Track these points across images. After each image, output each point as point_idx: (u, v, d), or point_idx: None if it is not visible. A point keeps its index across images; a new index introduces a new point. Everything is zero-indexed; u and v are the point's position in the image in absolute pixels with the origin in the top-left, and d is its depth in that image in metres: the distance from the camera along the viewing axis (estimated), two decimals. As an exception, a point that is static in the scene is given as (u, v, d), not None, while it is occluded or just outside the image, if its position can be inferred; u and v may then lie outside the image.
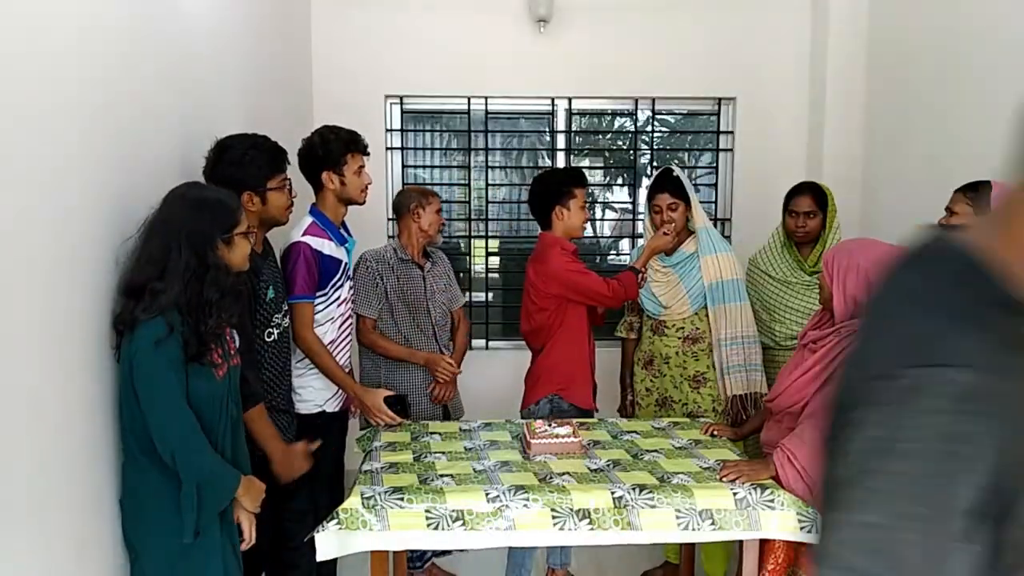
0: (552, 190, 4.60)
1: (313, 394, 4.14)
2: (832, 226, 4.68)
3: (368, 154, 4.24)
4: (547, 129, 6.82)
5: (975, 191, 3.83)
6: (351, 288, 4.41)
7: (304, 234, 4.04)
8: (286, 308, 3.89)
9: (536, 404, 4.61)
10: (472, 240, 6.83)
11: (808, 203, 4.69)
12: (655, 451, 3.79)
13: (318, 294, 4.08)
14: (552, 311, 4.54)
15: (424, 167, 6.88)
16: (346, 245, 4.28)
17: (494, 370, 6.54)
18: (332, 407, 4.21)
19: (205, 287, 2.79)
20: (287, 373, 3.94)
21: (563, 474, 3.44)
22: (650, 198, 4.85)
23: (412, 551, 4.71)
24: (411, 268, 4.72)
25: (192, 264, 2.78)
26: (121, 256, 2.86)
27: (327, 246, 4.10)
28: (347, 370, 4.34)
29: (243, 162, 3.47)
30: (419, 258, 4.77)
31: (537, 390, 4.61)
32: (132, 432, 2.75)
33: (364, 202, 4.25)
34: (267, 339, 3.74)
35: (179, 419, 2.71)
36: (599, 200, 7.23)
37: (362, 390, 4.25)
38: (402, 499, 3.18)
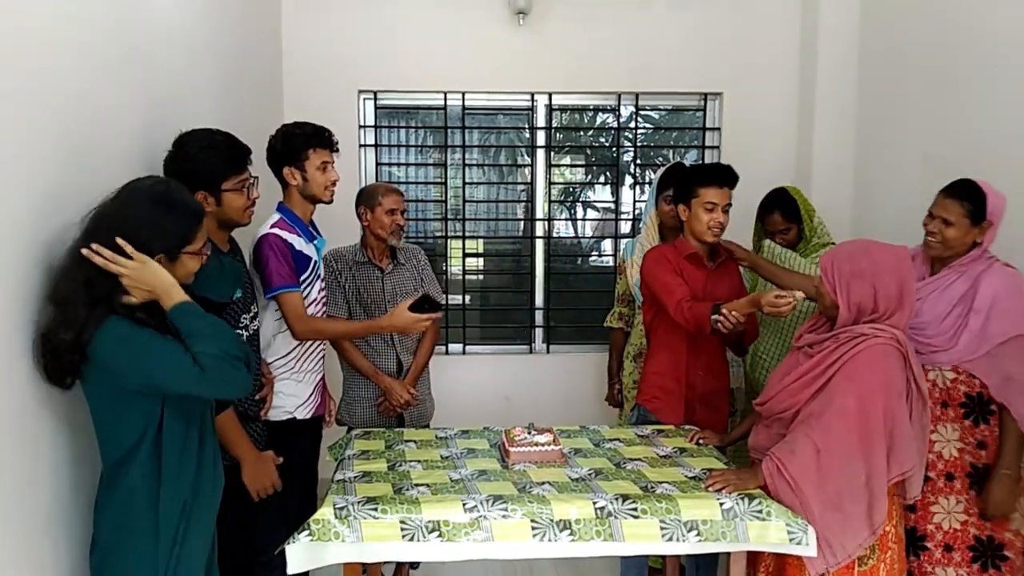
0: (682, 185, 4.43)
1: (283, 400, 4.12)
2: (813, 225, 4.75)
3: (336, 150, 4.22)
4: (526, 125, 6.82)
5: (964, 194, 3.84)
6: (322, 289, 4.40)
7: (272, 228, 4.04)
8: (255, 310, 3.87)
9: (632, 411, 4.66)
10: (449, 241, 6.81)
11: (779, 221, 4.82)
12: (638, 459, 3.78)
13: None
14: (652, 313, 4.51)
15: (399, 165, 6.87)
16: (315, 243, 4.26)
17: (472, 376, 6.55)
18: (303, 414, 4.19)
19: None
20: (257, 379, 3.91)
21: (543, 483, 3.43)
22: (664, 188, 4.92)
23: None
24: (369, 269, 4.72)
25: None
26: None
27: (296, 241, 4.09)
28: (320, 375, 4.35)
29: (198, 159, 3.42)
30: (379, 259, 4.77)
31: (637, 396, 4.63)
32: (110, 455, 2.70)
33: (330, 200, 4.22)
34: None
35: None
36: (580, 199, 7.24)
37: (386, 320, 4.18)
38: (376, 509, 3.16)
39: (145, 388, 2.64)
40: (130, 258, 2.65)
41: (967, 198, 3.80)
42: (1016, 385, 3.68)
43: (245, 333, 3.74)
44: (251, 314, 3.81)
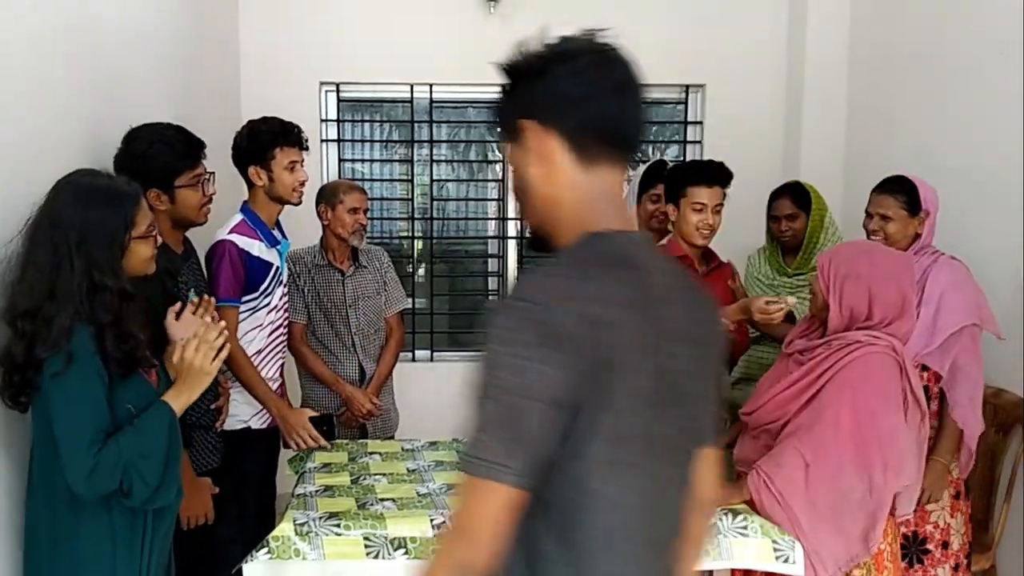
0: (670, 183, 4.39)
1: (237, 408, 4.12)
2: (824, 226, 4.73)
3: (305, 148, 4.22)
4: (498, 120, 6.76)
5: (897, 188, 4.09)
6: (284, 295, 4.39)
7: (230, 232, 4.02)
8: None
9: None
10: (416, 241, 6.81)
11: (787, 206, 4.77)
12: (616, 472, 3.78)
13: (245, 299, 4.06)
14: None
15: (363, 161, 6.87)
16: (278, 247, 4.25)
17: (439, 384, 6.50)
18: (258, 423, 4.19)
19: (96, 309, 2.64)
20: (211, 386, 3.88)
21: (515, 498, 3.43)
22: (646, 186, 4.93)
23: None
24: (328, 272, 4.74)
25: (84, 283, 2.62)
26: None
27: (256, 247, 4.08)
28: (277, 384, 4.34)
29: (148, 156, 3.40)
30: (340, 261, 4.78)
31: None
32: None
33: (299, 202, 4.23)
34: None
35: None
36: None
37: (286, 409, 4.21)
38: (338, 525, 3.17)
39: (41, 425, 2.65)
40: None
41: (900, 191, 4.07)
42: (958, 372, 3.91)
43: (197, 339, 3.74)
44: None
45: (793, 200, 4.76)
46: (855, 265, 3.44)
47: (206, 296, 3.08)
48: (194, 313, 3.11)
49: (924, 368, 3.94)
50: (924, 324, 3.90)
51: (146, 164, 3.39)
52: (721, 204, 4.23)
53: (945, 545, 4.07)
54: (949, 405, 3.94)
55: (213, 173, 3.69)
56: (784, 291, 4.64)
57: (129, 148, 3.43)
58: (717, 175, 4.21)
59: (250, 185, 4.15)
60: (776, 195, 4.85)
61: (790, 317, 4.14)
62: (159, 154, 3.42)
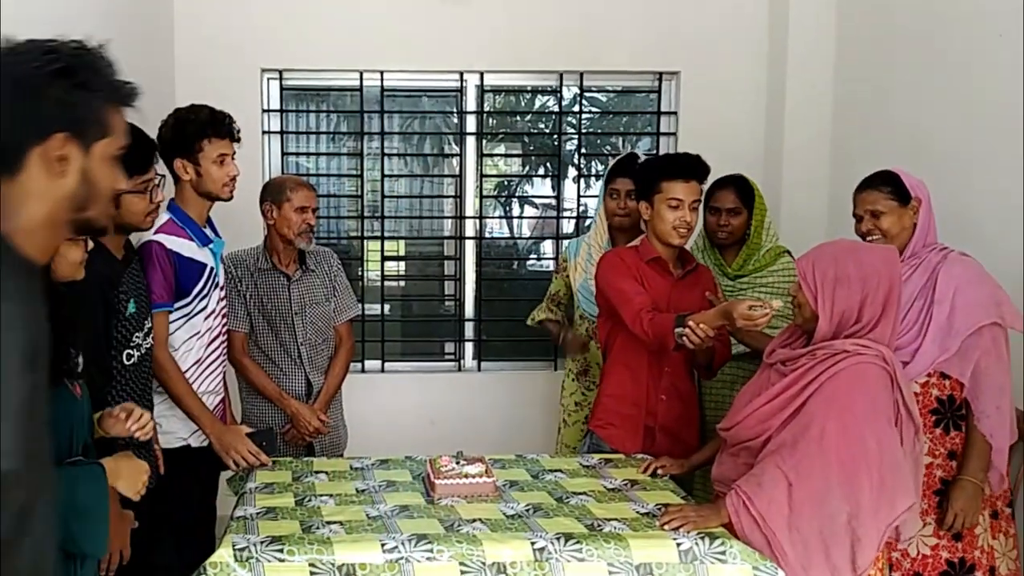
0: (643, 179, 4.36)
1: (175, 424, 4.11)
2: (763, 227, 4.76)
3: (236, 140, 4.21)
4: (455, 110, 6.81)
5: (880, 181, 4.07)
6: (222, 299, 4.38)
7: (157, 232, 4.00)
8: (149, 326, 3.86)
9: (583, 438, 4.66)
10: (365, 242, 6.79)
11: (731, 198, 4.78)
12: (583, 493, 3.79)
13: (178, 304, 4.05)
14: (608, 326, 4.45)
15: (308, 154, 6.86)
16: (211, 246, 4.23)
17: (392, 397, 6.53)
18: (198, 441, 4.17)
19: None
20: (147, 402, 3.88)
21: (474, 521, 3.43)
22: (609, 181, 4.94)
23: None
24: (273, 276, 4.74)
25: None
26: None
27: (186, 247, 4.07)
28: (219, 398, 4.33)
29: None
30: (285, 264, 4.77)
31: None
32: None
33: (230, 197, 4.21)
34: (126, 362, 3.70)
35: None
36: (516, 194, 7.26)
37: (220, 426, 4.18)
38: (281, 550, 3.15)
39: None
40: None
41: (883, 183, 4.04)
42: (981, 378, 3.81)
43: (137, 352, 3.73)
44: (144, 331, 3.79)
45: (738, 194, 4.77)
46: (843, 267, 3.42)
47: (137, 411, 3.04)
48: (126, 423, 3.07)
49: (944, 377, 3.86)
50: (939, 326, 3.84)
51: None
52: (699, 201, 4.24)
53: (992, 571, 3.96)
54: (975, 416, 3.84)
55: (163, 177, 3.68)
56: (726, 297, 4.62)
57: None
58: (694, 169, 4.21)
59: (176, 180, 4.13)
60: (719, 186, 4.82)
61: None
62: None
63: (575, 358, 5.24)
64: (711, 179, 4.45)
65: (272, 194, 4.68)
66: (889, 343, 3.43)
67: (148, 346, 3.84)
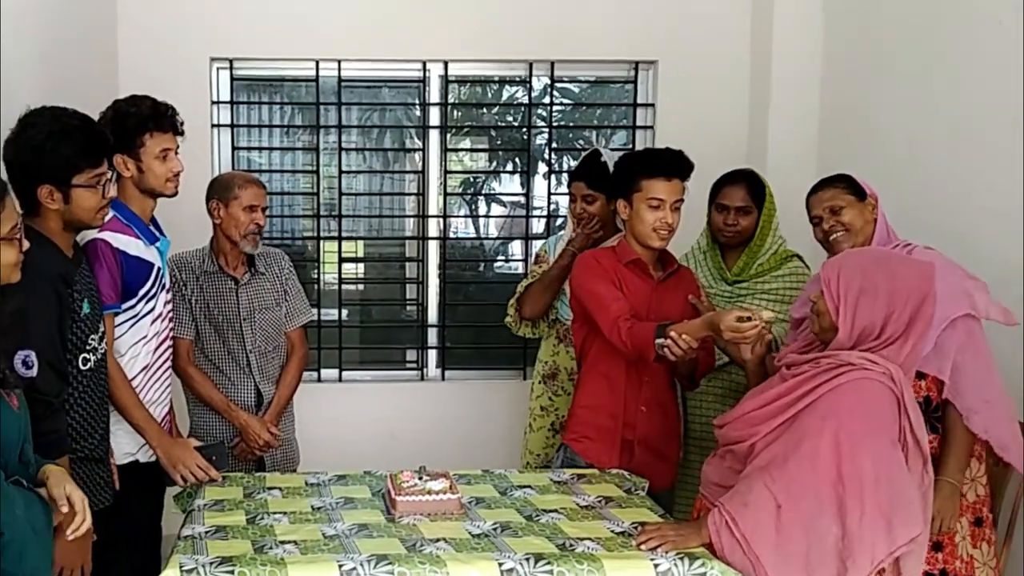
0: (622, 176, 4.33)
1: (123, 438, 4.08)
2: (771, 228, 4.74)
3: (180, 133, 4.19)
4: (417, 102, 6.81)
5: (834, 179, 4.15)
6: (169, 302, 4.36)
7: (102, 230, 3.96)
8: (103, 329, 3.83)
9: (557, 452, 4.65)
10: (322, 243, 6.77)
11: (742, 196, 4.73)
12: (554, 511, 3.78)
13: (125, 305, 4.02)
14: (583, 332, 4.43)
15: (260, 149, 6.85)
16: (158, 245, 4.21)
17: (350, 408, 6.53)
18: (146, 456, 4.14)
19: None
20: (104, 412, 3.87)
21: (437, 540, 3.43)
22: (569, 184, 4.98)
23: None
24: (220, 280, 4.73)
25: None
26: None
27: (133, 245, 4.05)
28: (166, 409, 4.32)
29: (44, 148, 3.38)
30: (233, 267, 4.76)
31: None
32: None
33: (174, 193, 4.19)
34: (82, 366, 3.67)
35: None
36: (483, 192, 7.26)
37: (167, 439, 4.14)
38: (232, 572, 3.14)
39: None
40: None
41: (837, 181, 4.12)
42: (961, 375, 3.78)
43: (93, 356, 3.70)
44: (99, 334, 3.77)
45: (749, 191, 4.74)
46: (871, 278, 3.38)
47: (80, 516, 3.03)
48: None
49: (920, 377, 3.79)
50: None
51: (40, 158, 3.38)
52: (681, 200, 4.22)
53: None
54: (963, 416, 3.77)
55: (116, 171, 3.67)
56: (722, 302, 4.65)
57: (23, 135, 3.41)
58: (677, 166, 4.19)
59: (118, 176, 4.10)
60: (728, 180, 4.80)
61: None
62: (59, 148, 3.41)
63: (542, 359, 5.25)
64: (701, 177, 4.45)
65: (219, 191, 4.66)
66: (904, 364, 3.38)
67: (103, 351, 3.82)
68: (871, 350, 3.36)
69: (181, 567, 3.16)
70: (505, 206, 7.50)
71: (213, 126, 6.46)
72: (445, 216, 6.82)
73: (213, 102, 6.46)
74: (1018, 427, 3.85)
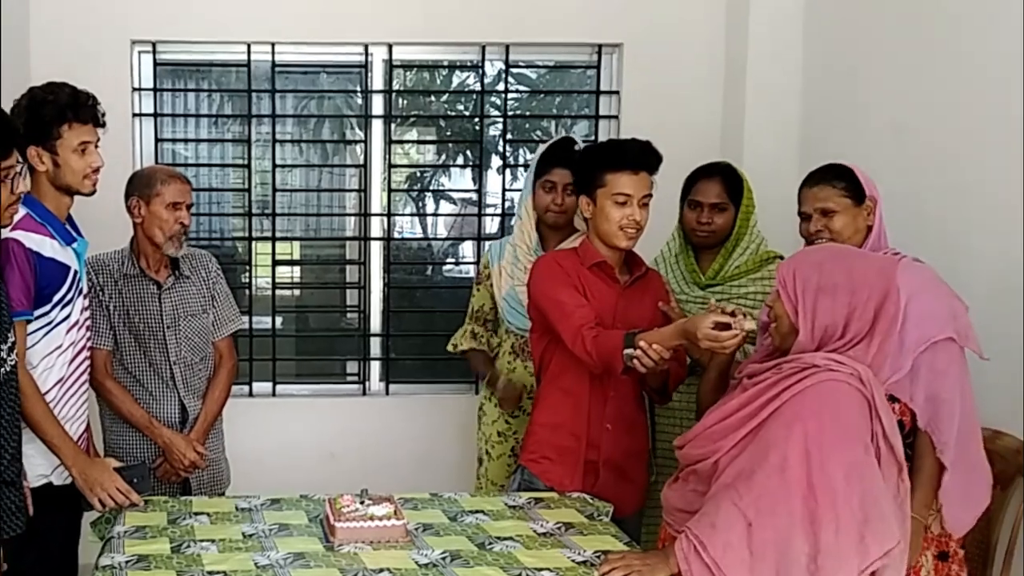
0: (584, 170, 4.31)
1: (36, 458, 4.04)
2: (748, 226, 4.74)
3: (101, 124, 4.17)
4: (358, 89, 6.81)
5: (834, 175, 4.11)
6: (87, 308, 4.33)
7: (15, 229, 3.92)
8: (13, 339, 3.77)
9: (513, 474, 4.64)
10: (254, 243, 6.75)
11: (717, 191, 4.73)
12: (510, 539, 3.78)
13: (38, 312, 3.99)
14: (543, 344, 4.41)
15: (186, 141, 6.84)
16: (75, 246, 4.19)
17: (284, 425, 6.50)
18: (60, 478, 4.12)
19: None
20: (15, 429, 3.79)
21: (381, 571, 3.42)
22: (540, 172, 4.90)
23: None
24: (141, 283, 4.71)
25: None
26: None
27: (47, 245, 4.02)
28: (82, 426, 4.29)
29: None
30: (155, 270, 4.74)
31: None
32: None
33: (92, 191, 4.18)
34: None
35: None
36: (431, 188, 7.25)
37: (84, 459, 4.11)
38: (154, 607, 3.14)
39: None
40: None
41: (838, 178, 4.08)
42: (943, 405, 3.76)
43: (2, 370, 3.65)
44: (9, 343, 3.71)
45: (725, 186, 4.74)
46: (829, 274, 3.40)
47: None
48: None
49: (893, 400, 3.77)
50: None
51: None
52: (649, 195, 4.19)
53: None
54: (938, 450, 3.76)
55: (25, 165, 3.64)
56: (695, 309, 4.60)
57: None
58: (644, 158, 4.16)
59: (31, 170, 4.06)
60: (701, 175, 4.80)
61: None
62: None
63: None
64: (671, 172, 4.43)
65: (139, 187, 4.62)
66: (872, 364, 3.38)
67: (13, 362, 3.74)
68: (836, 351, 3.36)
69: (98, 601, 3.15)
70: (455, 203, 7.52)
71: (134, 115, 6.41)
72: (389, 215, 6.80)
73: (134, 89, 6.42)
74: (987, 470, 3.86)
